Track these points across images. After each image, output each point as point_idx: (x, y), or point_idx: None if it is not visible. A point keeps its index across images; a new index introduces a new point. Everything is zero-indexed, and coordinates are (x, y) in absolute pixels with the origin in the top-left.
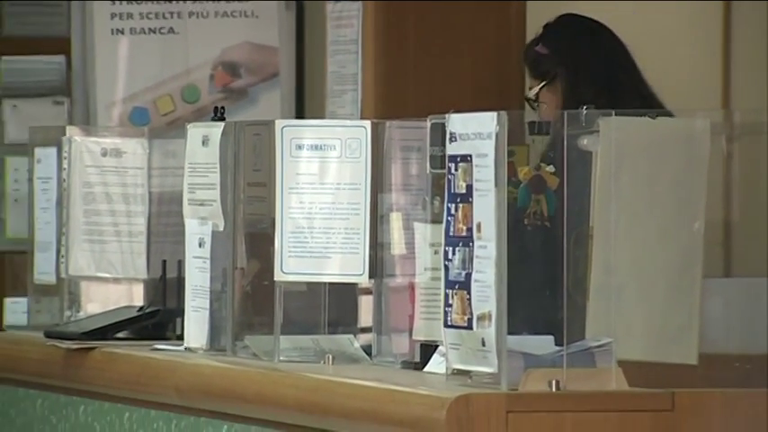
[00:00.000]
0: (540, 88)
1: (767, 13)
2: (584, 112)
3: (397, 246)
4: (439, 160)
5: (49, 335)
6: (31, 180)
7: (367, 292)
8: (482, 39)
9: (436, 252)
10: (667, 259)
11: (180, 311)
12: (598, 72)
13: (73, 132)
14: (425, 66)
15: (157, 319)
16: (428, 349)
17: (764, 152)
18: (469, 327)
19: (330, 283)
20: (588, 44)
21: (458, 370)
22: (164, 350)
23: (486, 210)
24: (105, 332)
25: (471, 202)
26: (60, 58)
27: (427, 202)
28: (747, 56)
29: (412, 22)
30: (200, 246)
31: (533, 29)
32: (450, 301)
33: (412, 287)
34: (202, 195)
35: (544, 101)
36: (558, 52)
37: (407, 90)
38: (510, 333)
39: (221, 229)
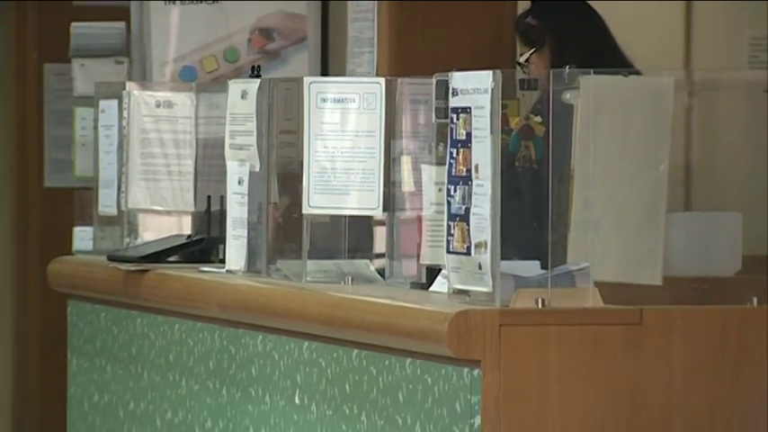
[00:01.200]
0: (531, 54)
1: None
2: (567, 70)
3: (407, 184)
4: (443, 112)
5: (111, 258)
6: (96, 127)
7: (381, 223)
8: (480, 14)
9: (440, 190)
10: (637, 196)
11: (222, 239)
12: (581, 40)
13: (131, 87)
14: (431, 33)
15: (203, 245)
16: (433, 272)
17: (720, 105)
18: (468, 253)
19: (349, 216)
20: (573, 16)
21: (458, 290)
22: (208, 272)
23: (483, 154)
24: (158, 256)
25: (470, 148)
26: (121, 24)
27: (432, 148)
28: (706, 21)
29: None
30: (239, 183)
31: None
32: (452, 232)
33: (419, 219)
34: (241, 141)
35: (533, 64)
36: (546, 23)
37: (416, 53)
38: (502, 258)
39: (257, 169)
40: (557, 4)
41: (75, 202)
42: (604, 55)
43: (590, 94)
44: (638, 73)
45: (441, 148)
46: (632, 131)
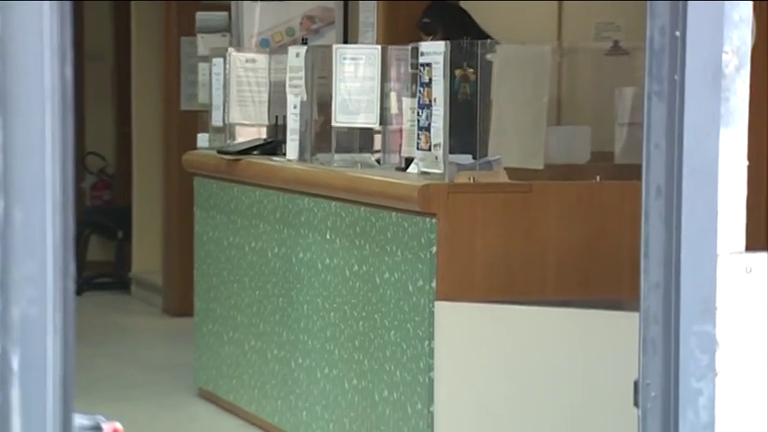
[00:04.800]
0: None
1: None
2: (489, 42)
3: (394, 109)
4: (415, 66)
5: (219, 152)
6: (210, 74)
7: (378, 132)
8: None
9: (413, 112)
10: (529, 116)
11: (284, 141)
12: (459, 29)
13: (231, 50)
14: (409, 19)
15: (273, 145)
16: (409, 161)
17: (579, 62)
18: (429, 150)
19: (359, 128)
20: (452, 14)
21: (423, 171)
22: (276, 160)
23: (438, 91)
24: (247, 152)
25: (431, 87)
26: (225, 13)
27: (409, 87)
28: (569, 13)
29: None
30: (294, 107)
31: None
32: (420, 137)
33: (401, 130)
34: (296, 82)
35: None
36: (436, 19)
37: (398, 31)
38: (450, 153)
39: (305, 99)
40: (442, 6)
41: (199, 119)
42: (477, 35)
43: (500, 56)
44: (497, 42)
45: (414, 87)
46: (526, 78)
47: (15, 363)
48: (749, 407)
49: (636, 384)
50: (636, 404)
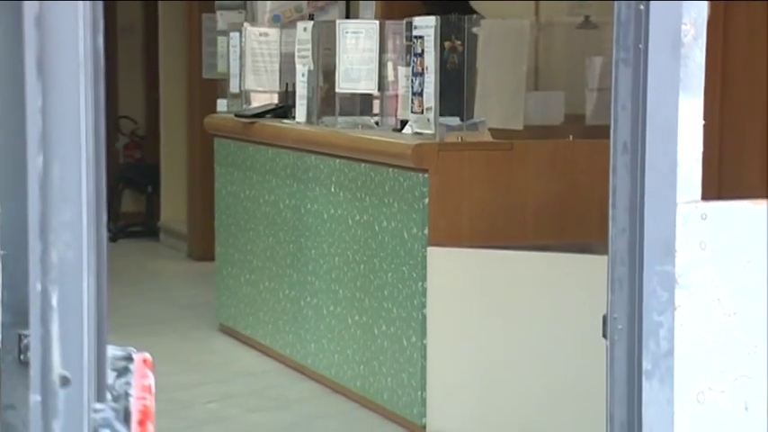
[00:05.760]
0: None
1: None
2: (475, 16)
3: (391, 77)
4: (410, 38)
5: (236, 115)
6: (228, 46)
7: (377, 98)
8: None
9: (407, 79)
10: (510, 83)
11: (294, 106)
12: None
13: (247, 25)
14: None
15: (284, 109)
16: (404, 123)
17: (554, 35)
18: (422, 113)
19: (360, 93)
20: None
21: (417, 132)
22: (287, 123)
23: (430, 60)
24: (261, 115)
25: (423, 57)
26: None
27: (404, 57)
28: None
29: None
30: (302, 75)
31: None
32: (414, 101)
33: (397, 95)
34: (304, 53)
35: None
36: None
37: (394, 8)
38: (440, 115)
39: (312, 68)
40: None
41: (218, 86)
42: (465, 10)
43: (485, 29)
44: (482, 17)
45: (408, 57)
46: (507, 49)
47: (54, 300)
48: (703, 337)
49: (605, 318)
50: (604, 336)
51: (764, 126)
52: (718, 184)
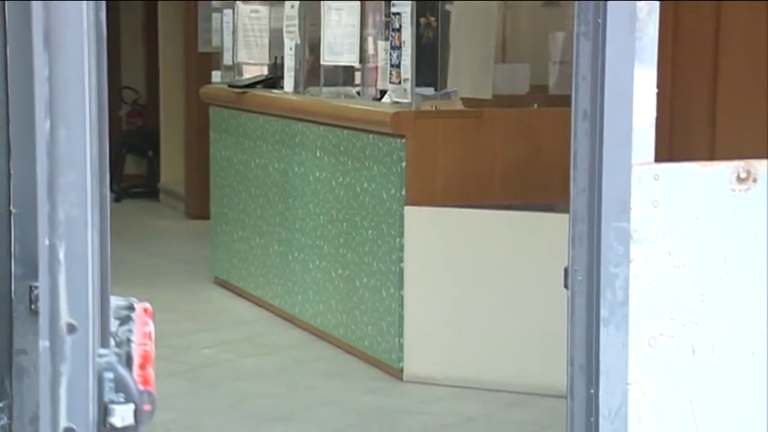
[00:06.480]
0: None
1: None
2: None
3: (371, 50)
4: (388, 14)
5: (229, 86)
6: (221, 22)
7: (358, 70)
8: None
9: (386, 52)
10: (480, 55)
11: (282, 77)
12: None
13: (239, 3)
14: None
15: (273, 80)
16: (383, 93)
17: (519, 13)
18: (400, 83)
19: (342, 65)
20: None
21: (394, 101)
22: (276, 93)
23: (407, 35)
24: (252, 86)
25: (401, 32)
26: None
27: (383, 32)
28: None
29: None
30: (290, 49)
31: None
32: (392, 73)
33: (376, 67)
34: (291, 29)
35: None
36: None
37: None
38: (416, 86)
39: (299, 42)
40: None
41: (213, 59)
42: None
43: (457, 7)
44: None
45: (387, 32)
46: (477, 26)
47: (62, 254)
48: (655, 287)
49: (566, 270)
50: (566, 286)
51: (710, 95)
52: (669, 148)
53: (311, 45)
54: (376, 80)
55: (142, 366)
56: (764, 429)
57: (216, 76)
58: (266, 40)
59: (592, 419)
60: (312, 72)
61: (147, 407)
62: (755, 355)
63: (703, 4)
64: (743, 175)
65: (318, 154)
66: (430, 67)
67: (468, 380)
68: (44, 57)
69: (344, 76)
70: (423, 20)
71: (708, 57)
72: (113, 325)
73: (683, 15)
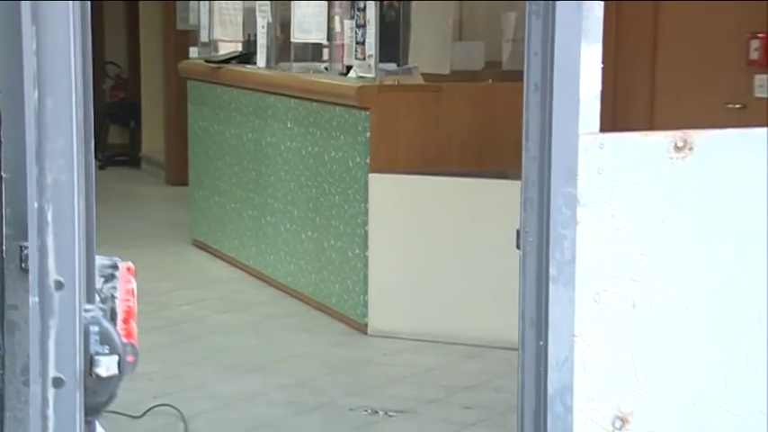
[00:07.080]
0: None
1: None
2: None
3: (338, 28)
4: None
5: (206, 61)
6: (198, 2)
7: (326, 47)
8: None
9: (352, 30)
10: (437, 34)
11: (255, 53)
12: None
13: None
14: None
15: (247, 56)
16: (349, 68)
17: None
18: (364, 59)
19: (311, 43)
20: None
21: (360, 76)
22: (250, 68)
23: (371, 14)
24: (227, 61)
25: (365, 11)
26: None
27: (349, 12)
28: None
29: None
30: (263, 27)
31: None
32: (357, 49)
33: (342, 45)
34: (264, 8)
35: None
36: None
37: None
38: (379, 62)
39: (270, 20)
40: None
41: (190, 36)
42: None
43: None
44: None
45: (352, 12)
46: (436, 6)
47: (50, 216)
48: (600, 247)
49: (518, 232)
50: (518, 247)
51: (650, 70)
52: (613, 118)
53: (282, 23)
54: (342, 56)
55: (125, 321)
56: (698, 376)
57: (193, 51)
58: (240, 19)
59: (541, 369)
60: (283, 48)
61: (130, 358)
62: (690, 308)
63: None
64: (680, 144)
65: (289, 125)
66: (392, 44)
67: (427, 333)
68: (32, 31)
69: (313, 52)
70: (386, 1)
71: (648, 35)
72: (98, 282)
73: None
